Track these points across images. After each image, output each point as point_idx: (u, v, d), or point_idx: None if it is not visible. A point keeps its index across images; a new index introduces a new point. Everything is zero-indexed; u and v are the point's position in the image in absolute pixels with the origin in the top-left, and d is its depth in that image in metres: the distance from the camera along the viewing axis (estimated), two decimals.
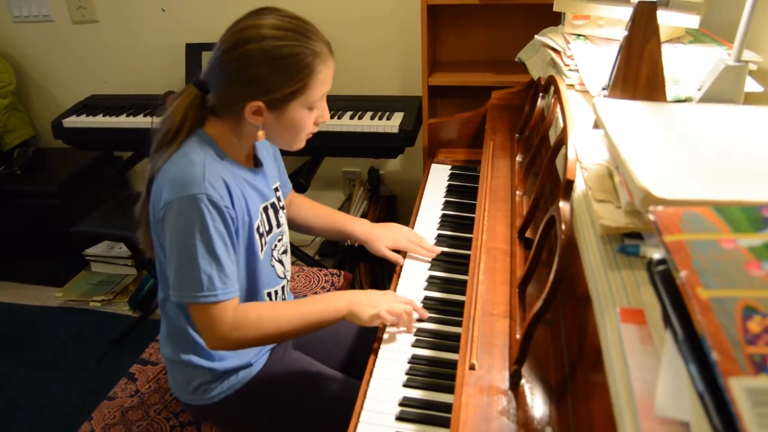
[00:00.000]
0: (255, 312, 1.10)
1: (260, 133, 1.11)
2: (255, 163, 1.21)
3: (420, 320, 1.18)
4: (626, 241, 0.72)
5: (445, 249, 1.40)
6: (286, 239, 1.29)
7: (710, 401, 0.42)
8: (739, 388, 0.40)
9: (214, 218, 1.02)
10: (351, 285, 2.44)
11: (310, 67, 1.05)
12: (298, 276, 1.74)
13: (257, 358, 1.24)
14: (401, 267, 1.35)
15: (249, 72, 1.03)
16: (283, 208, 1.29)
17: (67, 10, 2.67)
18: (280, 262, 1.26)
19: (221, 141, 1.10)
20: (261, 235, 1.17)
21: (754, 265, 0.49)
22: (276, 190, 1.26)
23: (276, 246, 1.23)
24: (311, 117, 1.11)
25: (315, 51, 1.05)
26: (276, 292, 1.24)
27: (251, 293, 1.19)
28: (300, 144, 1.16)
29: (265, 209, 1.19)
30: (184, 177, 1.02)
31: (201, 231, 1.01)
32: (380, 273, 2.42)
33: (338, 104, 2.23)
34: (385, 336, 1.16)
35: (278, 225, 1.24)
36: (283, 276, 1.27)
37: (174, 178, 1.03)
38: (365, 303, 1.15)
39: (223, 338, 1.06)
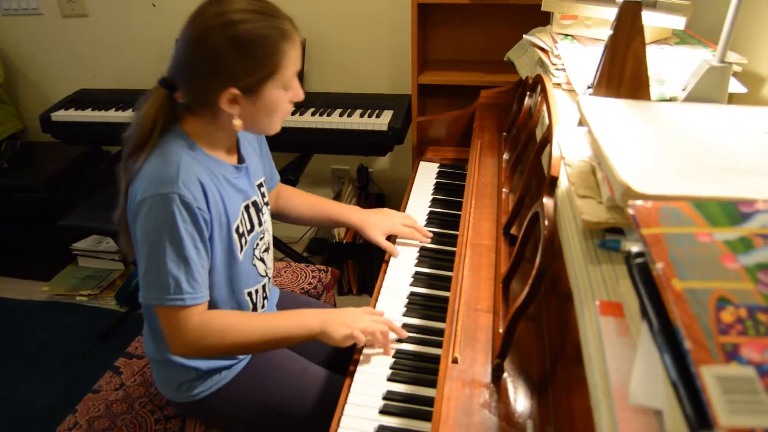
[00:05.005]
0: (222, 320, 1.08)
1: (237, 122, 1.07)
2: (239, 160, 1.19)
3: (399, 341, 1.14)
4: (607, 237, 0.73)
5: (432, 246, 1.41)
6: (268, 237, 1.26)
7: (683, 389, 0.43)
8: (711, 375, 0.40)
9: (185, 219, 0.99)
10: (338, 281, 2.45)
11: (279, 47, 1.02)
12: (285, 272, 1.74)
13: (241, 355, 1.23)
14: (387, 264, 1.36)
15: (219, 62, 1.00)
16: (267, 204, 1.27)
17: (57, 3, 2.66)
18: (262, 260, 1.23)
19: (199, 138, 1.07)
20: (241, 235, 1.14)
21: (729, 258, 0.50)
22: (260, 186, 1.24)
23: (258, 244, 1.21)
24: (287, 97, 1.09)
25: (282, 30, 1.02)
26: (257, 291, 1.22)
27: (232, 293, 1.16)
28: (276, 128, 1.13)
29: (247, 208, 1.16)
30: (158, 175, 1.00)
31: (171, 231, 0.99)
32: (368, 269, 2.43)
33: (328, 101, 2.23)
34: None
35: (260, 223, 1.21)
36: (264, 274, 1.24)
37: (149, 176, 1.01)
38: (338, 322, 1.12)
39: (186, 344, 1.05)
